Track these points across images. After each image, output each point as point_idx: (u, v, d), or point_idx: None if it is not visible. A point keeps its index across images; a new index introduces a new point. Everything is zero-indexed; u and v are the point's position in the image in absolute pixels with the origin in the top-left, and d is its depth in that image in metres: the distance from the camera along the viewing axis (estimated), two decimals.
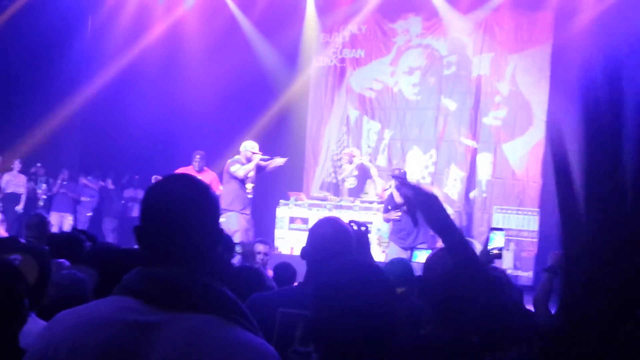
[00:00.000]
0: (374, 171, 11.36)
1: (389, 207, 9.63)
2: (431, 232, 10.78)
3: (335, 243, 2.85)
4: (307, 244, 2.98)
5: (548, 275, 4.33)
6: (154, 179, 10.83)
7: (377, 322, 1.90)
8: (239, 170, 9.85)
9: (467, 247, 2.33)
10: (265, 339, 1.67)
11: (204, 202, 1.70)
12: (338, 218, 3.10)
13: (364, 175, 11.16)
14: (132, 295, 1.60)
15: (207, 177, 10.12)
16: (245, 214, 9.93)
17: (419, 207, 2.35)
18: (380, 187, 11.13)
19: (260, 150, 10.16)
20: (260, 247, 6.89)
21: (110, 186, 13.90)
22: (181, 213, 1.66)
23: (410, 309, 3.29)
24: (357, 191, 11.10)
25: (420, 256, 4.38)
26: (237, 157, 10.09)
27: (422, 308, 2.74)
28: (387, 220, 9.76)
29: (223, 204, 9.67)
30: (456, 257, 2.29)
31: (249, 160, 9.99)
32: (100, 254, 3.32)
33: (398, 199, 9.32)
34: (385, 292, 1.96)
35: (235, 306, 1.63)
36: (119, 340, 1.56)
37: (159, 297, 1.59)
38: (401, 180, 9.23)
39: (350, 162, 11.17)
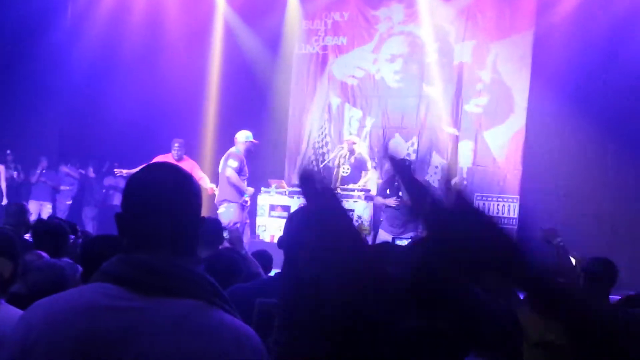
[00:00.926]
0: (370, 164, 11.32)
1: (388, 191, 9.61)
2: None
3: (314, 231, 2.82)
4: (284, 232, 2.95)
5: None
6: (117, 172, 10.85)
7: (365, 307, 1.86)
8: (232, 172, 9.72)
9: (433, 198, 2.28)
10: None
11: (186, 190, 1.70)
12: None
13: (360, 166, 11.11)
14: (113, 282, 1.59)
15: (187, 165, 10.06)
16: (244, 204, 9.87)
17: (396, 173, 2.32)
18: (373, 179, 11.13)
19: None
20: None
21: (91, 174, 13.81)
22: (163, 200, 1.66)
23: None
24: (349, 180, 11.04)
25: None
26: (234, 150, 9.94)
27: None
28: (382, 205, 9.72)
29: (223, 194, 9.64)
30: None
31: (248, 150, 9.89)
32: (84, 245, 3.29)
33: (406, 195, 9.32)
34: (374, 277, 1.93)
35: (216, 291, 1.63)
36: (102, 326, 1.54)
37: (140, 282, 1.58)
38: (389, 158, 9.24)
39: (351, 151, 11.04)
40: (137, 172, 1.77)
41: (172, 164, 1.80)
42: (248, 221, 10.15)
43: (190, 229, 1.70)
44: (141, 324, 1.54)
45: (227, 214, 9.48)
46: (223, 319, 1.60)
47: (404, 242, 9.08)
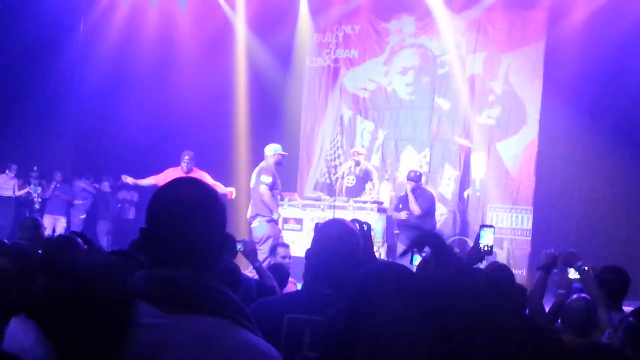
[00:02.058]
0: (375, 175, 11.33)
1: (400, 206, 9.69)
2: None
3: (343, 244, 2.78)
4: (312, 245, 2.90)
5: (541, 274, 4.33)
6: (123, 178, 10.82)
7: (407, 326, 1.85)
8: (266, 190, 9.64)
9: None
10: (273, 345, 1.67)
11: (210, 206, 1.70)
12: (344, 219, 3.04)
13: (365, 177, 11.11)
14: (138, 298, 1.58)
15: (197, 176, 10.02)
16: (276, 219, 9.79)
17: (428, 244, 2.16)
18: (377, 190, 11.15)
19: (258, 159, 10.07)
20: (280, 250, 6.87)
21: (107, 189, 13.85)
22: (188, 217, 1.66)
23: None
24: (354, 190, 11.05)
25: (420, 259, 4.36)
26: (265, 164, 9.76)
27: None
28: (396, 219, 9.83)
29: (256, 209, 9.62)
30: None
31: (278, 163, 9.80)
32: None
33: (414, 206, 9.33)
34: (416, 294, 1.91)
35: (239, 309, 1.63)
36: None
37: (165, 299, 1.58)
38: (421, 194, 9.36)
39: (357, 162, 11.03)
40: (162, 187, 1.76)
41: (196, 180, 1.79)
42: (282, 235, 10.04)
43: (215, 246, 1.70)
44: (165, 341, 1.54)
45: (260, 228, 9.46)
46: (246, 338, 1.59)
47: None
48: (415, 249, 2.25)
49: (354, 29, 13.60)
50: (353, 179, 11.10)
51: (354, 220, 3.13)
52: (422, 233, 2.28)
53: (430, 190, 10.37)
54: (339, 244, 2.78)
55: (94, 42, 13.88)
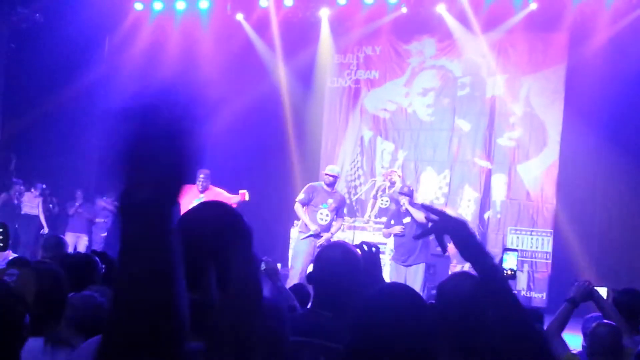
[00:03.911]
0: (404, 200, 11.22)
1: (392, 222, 9.54)
2: (436, 250, 10.76)
3: (344, 267, 2.82)
4: (314, 268, 2.95)
5: (567, 305, 4.24)
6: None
7: (419, 349, 1.86)
8: (296, 205, 9.69)
9: (499, 273, 2.23)
10: None
11: (238, 230, 1.69)
12: (345, 242, 3.07)
13: (396, 202, 11.07)
14: None
15: (212, 194, 10.00)
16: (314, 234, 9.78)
17: (449, 233, 2.22)
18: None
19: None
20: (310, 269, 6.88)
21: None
22: (213, 241, 1.65)
23: None
24: (387, 211, 10.94)
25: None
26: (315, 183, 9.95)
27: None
28: (388, 235, 9.64)
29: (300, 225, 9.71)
30: (487, 284, 2.15)
31: (326, 182, 9.81)
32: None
33: (418, 214, 9.14)
34: (426, 317, 1.92)
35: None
36: None
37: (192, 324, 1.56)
38: (427, 207, 9.07)
39: (392, 183, 10.88)
40: (186, 212, 1.75)
41: (220, 203, 1.79)
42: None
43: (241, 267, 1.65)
44: None
45: (296, 243, 9.54)
46: None
47: (413, 269, 9.04)
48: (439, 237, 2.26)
49: (375, 50, 13.67)
50: (387, 200, 11.03)
51: (362, 243, 3.16)
52: (445, 215, 2.31)
53: None
54: (339, 267, 2.80)
55: (118, 61, 14.05)
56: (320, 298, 2.88)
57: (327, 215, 9.62)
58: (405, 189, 9.66)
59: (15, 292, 2.51)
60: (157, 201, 1.11)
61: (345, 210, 10.09)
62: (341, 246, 2.98)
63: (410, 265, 9.05)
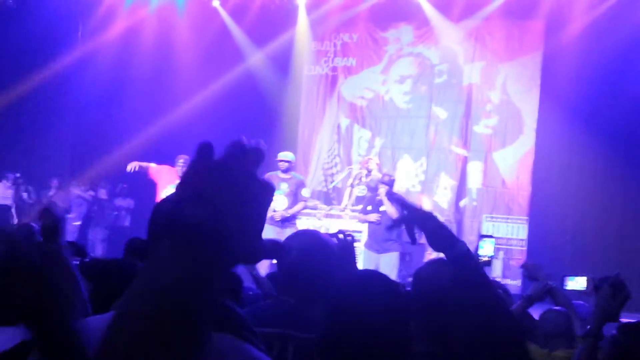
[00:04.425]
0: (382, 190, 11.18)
1: (369, 208, 9.48)
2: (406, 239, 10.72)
3: (308, 255, 2.76)
4: (281, 257, 2.88)
5: (523, 304, 4.18)
6: (131, 166, 10.55)
7: (393, 335, 1.85)
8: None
9: (473, 259, 2.24)
10: None
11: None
12: (315, 230, 3.03)
13: (377, 188, 11.02)
14: None
15: None
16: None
17: (418, 225, 2.26)
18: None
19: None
20: None
21: (104, 196, 13.82)
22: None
23: None
24: (362, 200, 10.91)
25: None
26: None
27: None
28: (364, 221, 9.60)
29: (291, 219, 9.73)
30: (461, 271, 2.18)
31: (285, 170, 9.83)
32: (92, 267, 3.24)
33: (390, 209, 9.11)
34: (401, 303, 1.91)
35: (243, 323, 1.58)
36: None
37: None
38: (395, 198, 9.01)
39: (369, 171, 10.76)
40: (164, 199, 1.68)
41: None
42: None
43: (226, 260, 1.62)
44: None
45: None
46: (252, 354, 1.50)
47: (387, 257, 9.02)
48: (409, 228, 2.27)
49: (352, 37, 13.62)
50: (364, 189, 10.98)
51: (339, 231, 3.12)
52: (414, 208, 2.32)
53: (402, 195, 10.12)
54: (304, 255, 2.74)
55: (91, 48, 13.88)
56: (283, 285, 2.84)
57: (283, 200, 9.72)
58: (387, 178, 9.61)
59: None
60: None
61: (306, 193, 10.05)
62: (307, 234, 2.94)
63: (384, 253, 9.01)
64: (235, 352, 1.49)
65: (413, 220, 2.28)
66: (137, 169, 10.43)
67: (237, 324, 1.55)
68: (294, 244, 2.85)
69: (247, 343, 1.52)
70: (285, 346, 2.40)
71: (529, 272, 4.18)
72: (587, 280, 4.45)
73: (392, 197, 9.16)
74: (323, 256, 2.79)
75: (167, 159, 10.96)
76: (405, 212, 2.31)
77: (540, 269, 4.18)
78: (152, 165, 10.43)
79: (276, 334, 2.52)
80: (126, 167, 10.46)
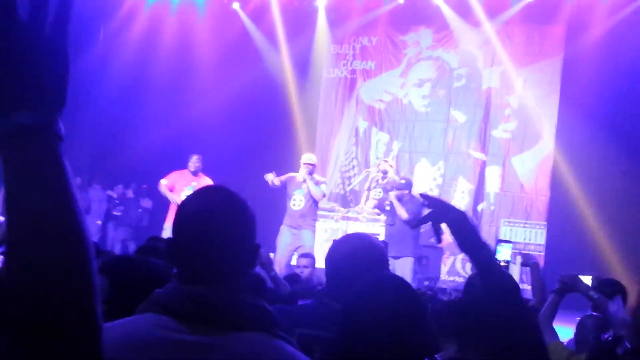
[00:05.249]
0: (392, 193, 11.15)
1: (387, 208, 9.49)
2: (429, 241, 10.71)
3: (355, 259, 2.68)
4: (326, 260, 2.81)
5: (554, 297, 4.24)
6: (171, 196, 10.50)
7: (408, 339, 1.85)
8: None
9: (497, 267, 2.20)
10: None
11: (240, 216, 1.62)
12: (366, 234, 2.98)
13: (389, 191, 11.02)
14: (170, 314, 1.52)
15: (202, 181, 10.04)
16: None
17: (448, 223, 2.19)
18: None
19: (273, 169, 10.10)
20: (302, 261, 6.88)
21: (130, 195, 13.92)
22: (216, 228, 1.59)
23: None
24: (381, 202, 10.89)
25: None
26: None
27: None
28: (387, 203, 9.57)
29: (309, 221, 9.73)
30: (486, 280, 2.13)
31: (309, 173, 9.81)
32: (111, 264, 3.26)
33: (400, 211, 9.10)
34: (417, 308, 1.90)
35: (275, 321, 1.58)
36: None
37: (202, 318, 1.51)
38: (424, 195, 8.90)
39: (384, 175, 10.69)
40: (189, 197, 1.69)
41: (224, 188, 1.68)
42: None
43: (246, 257, 1.63)
44: None
45: (308, 240, 9.58)
46: (287, 351, 1.54)
47: (402, 262, 8.99)
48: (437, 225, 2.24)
49: (371, 40, 13.63)
50: (380, 191, 10.96)
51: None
52: (446, 206, 2.29)
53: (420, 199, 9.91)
54: (351, 258, 2.70)
55: (112, 50, 13.99)
56: (331, 289, 2.78)
57: (300, 200, 9.72)
58: (403, 182, 9.60)
59: None
60: (45, 125, 0.98)
61: (324, 188, 9.97)
62: (357, 238, 2.91)
63: (398, 258, 8.99)
64: (270, 350, 1.51)
65: (444, 219, 2.21)
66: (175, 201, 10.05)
67: (268, 322, 1.56)
68: (343, 249, 2.81)
69: (280, 340, 1.55)
70: (323, 350, 2.40)
71: (568, 283, 4.19)
72: (592, 279, 4.47)
73: (422, 196, 9.11)
74: (370, 261, 2.74)
75: (184, 159, 11.04)
76: (435, 209, 2.25)
77: (579, 282, 4.20)
78: (163, 182, 10.37)
79: (317, 337, 2.50)
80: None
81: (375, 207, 10.12)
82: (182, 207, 1.65)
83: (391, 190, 9.57)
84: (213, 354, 1.48)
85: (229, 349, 1.48)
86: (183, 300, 1.54)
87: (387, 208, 9.59)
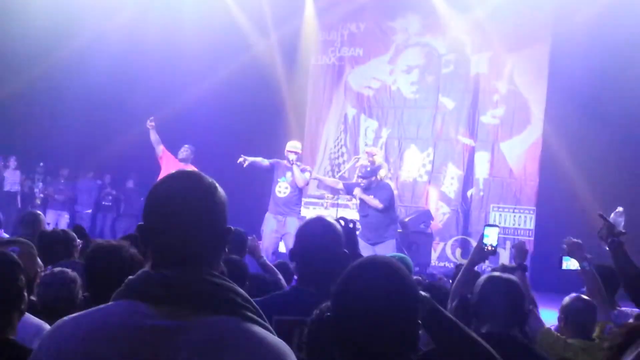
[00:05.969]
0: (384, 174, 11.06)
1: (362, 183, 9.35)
2: (420, 227, 10.71)
3: (325, 241, 2.80)
4: (295, 244, 2.91)
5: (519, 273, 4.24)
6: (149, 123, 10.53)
7: (403, 319, 1.85)
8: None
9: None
10: None
11: (210, 199, 1.62)
12: (325, 217, 3.04)
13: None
14: (143, 300, 1.52)
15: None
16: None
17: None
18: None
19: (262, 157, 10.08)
20: None
21: (131, 185, 13.91)
22: (187, 212, 1.58)
23: None
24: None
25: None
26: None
27: None
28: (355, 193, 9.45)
29: (293, 208, 9.72)
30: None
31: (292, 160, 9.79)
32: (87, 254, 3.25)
33: (373, 201, 9.04)
34: (409, 288, 1.90)
35: (249, 304, 1.58)
36: (141, 348, 1.48)
37: (174, 301, 1.52)
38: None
39: (371, 162, 10.61)
40: (159, 182, 1.67)
41: (194, 172, 1.68)
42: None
43: (217, 241, 1.63)
44: (181, 344, 1.48)
45: (292, 226, 9.57)
46: (260, 334, 1.54)
47: (382, 247, 8.96)
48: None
49: (359, 27, 13.60)
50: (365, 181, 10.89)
51: (340, 218, 3.11)
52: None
53: (388, 182, 9.73)
54: (320, 242, 2.78)
55: (100, 38, 13.86)
56: (303, 274, 2.85)
57: (285, 187, 9.74)
58: (369, 170, 9.38)
59: (19, 263, 2.54)
60: None
61: (306, 174, 9.92)
62: (320, 221, 2.95)
63: (377, 244, 8.97)
64: (239, 334, 1.52)
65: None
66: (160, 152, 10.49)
67: (241, 306, 1.56)
68: (307, 231, 2.87)
69: (253, 324, 1.55)
70: (304, 332, 2.42)
71: (570, 248, 4.29)
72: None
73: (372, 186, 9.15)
74: (336, 242, 2.81)
75: (173, 147, 11.01)
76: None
77: (581, 250, 4.25)
78: (161, 148, 10.54)
79: (295, 321, 2.54)
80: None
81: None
82: (152, 191, 1.65)
83: (360, 177, 9.51)
84: (181, 338, 1.48)
85: (197, 332, 1.49)
86: (153, 284, 1.54)
87: (353, 207, 9.63)
